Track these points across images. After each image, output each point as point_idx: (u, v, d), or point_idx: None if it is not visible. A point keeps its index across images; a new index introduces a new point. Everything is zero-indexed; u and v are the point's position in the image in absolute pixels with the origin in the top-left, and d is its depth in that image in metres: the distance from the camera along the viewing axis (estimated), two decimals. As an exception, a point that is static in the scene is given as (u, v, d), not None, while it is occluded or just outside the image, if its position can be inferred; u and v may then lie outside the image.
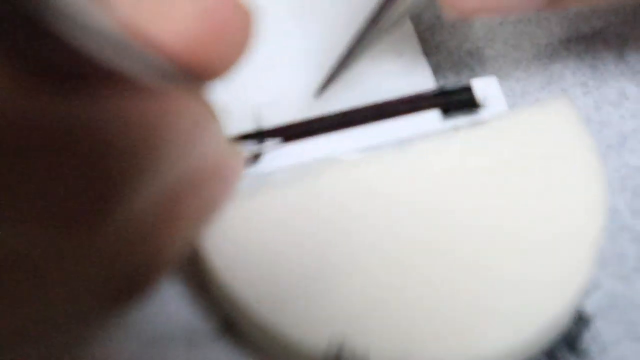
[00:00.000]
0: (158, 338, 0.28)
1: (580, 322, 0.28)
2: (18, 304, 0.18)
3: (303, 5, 0.34)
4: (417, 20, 0.34)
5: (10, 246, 0.17)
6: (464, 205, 0.27)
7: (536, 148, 0.28)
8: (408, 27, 0.33)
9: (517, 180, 0.28)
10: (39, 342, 0.20)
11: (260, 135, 0.30)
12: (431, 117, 0.31)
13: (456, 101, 0.31)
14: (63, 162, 0.16)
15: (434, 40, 0.34)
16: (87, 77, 0.16)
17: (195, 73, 0.21)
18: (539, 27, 0.34)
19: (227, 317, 0.28)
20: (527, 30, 0.34)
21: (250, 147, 0.30)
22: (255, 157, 0.30)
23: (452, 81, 0.33)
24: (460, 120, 0.31)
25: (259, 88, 0.31)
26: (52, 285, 0.19)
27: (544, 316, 0.26)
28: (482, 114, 0.31)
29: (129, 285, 0.21)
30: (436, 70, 0.33)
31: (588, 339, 0.28)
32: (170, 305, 0.29)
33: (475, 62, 0.33)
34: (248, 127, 0.30)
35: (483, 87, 0.31)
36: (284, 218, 0.27)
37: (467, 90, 0.31)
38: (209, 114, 0.21)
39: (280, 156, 0.30)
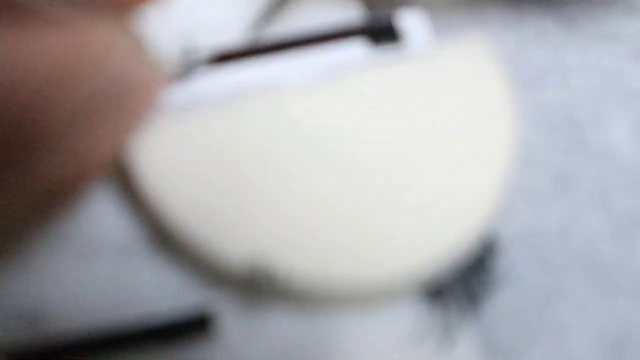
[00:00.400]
0: (88, 249, 0.29)
1: (491, 249, 0.30)
2: None
3: None
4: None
5: None
6: (378, 132, 0.29)
7: (452, 82, 0.30)
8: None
9: (430, 111, 0.29)
10: None
11: (187, 56, 0.31)
12: (354, 47, 0.32)
13: (382, 32, 0.32)
14: None
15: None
16: None
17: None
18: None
19: (157, 231, 0.29)
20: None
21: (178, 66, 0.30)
22: (182, 76, 0.31)
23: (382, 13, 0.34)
24: (384, 52, 0.32)
25: (191, 12, 0.32)
26: None
27: (449, 237, 0.28)
28: (405, 47, 0.32)
29: (49, 197, 0.22)
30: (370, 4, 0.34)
31: (503, 267, 0.29)
32: (102, 217, 0.29)
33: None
34: (176, 48, 0.31)
35: (410, 19, 0.32)
36: (211, 138, 0.28)
37: (393, 21, 0.32)
38: (119, 37, 0.21)
39: (207, 80, 0.31)
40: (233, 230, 0.27)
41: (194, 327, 0.27)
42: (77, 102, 0.20)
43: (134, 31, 0.23)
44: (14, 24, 0.18)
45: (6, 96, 0.18)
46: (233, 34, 0.32)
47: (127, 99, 0.24)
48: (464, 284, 0.29)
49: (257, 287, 0.27)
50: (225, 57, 0.31)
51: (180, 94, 0.30)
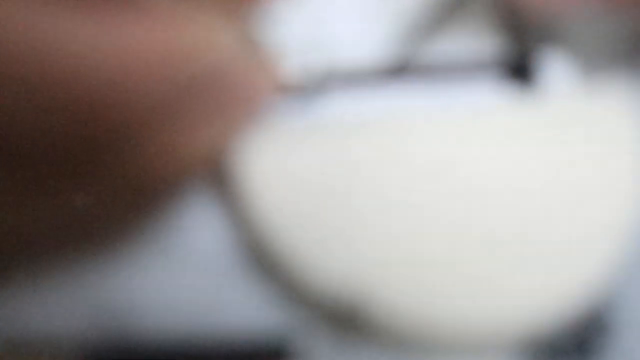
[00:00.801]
0: (181, 256, 0.29)
1: (595, 325, 0.27)
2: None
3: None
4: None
5: None
6: (499, 172, 0.28)
7: (583, 131, 0.28)
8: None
9: (554, 159, 0.28)
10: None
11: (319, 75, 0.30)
12: (489, 83, 0.31)
13: (520, 68, 0.31)
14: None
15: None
16: None
17: None
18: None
19: (255, 245, 0.28)
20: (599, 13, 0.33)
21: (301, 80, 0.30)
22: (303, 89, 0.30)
23: (526, 49, 0.32)
24: (517, 91, 0.31)
25: (321, 23, 0.31)
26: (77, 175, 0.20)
27: (565, 291, 0.26)
28: (542, 88, 0.30)
29: (140, 193, 0.22)
30: (514, 35, 0.33)
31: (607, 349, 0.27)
32: (200, 225, 0.29)
33: (556, 34, 0.33)
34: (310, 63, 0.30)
35: (552, 59, 0.31)
36: (326, 157, 0.27)
37: (534, 61, 0.31)
38: (225, 34, 0.21)
39: (331, 97, 0.30)
40: (335, 255, 0.27)
41: (273, 356, 0.26)
42: (169, 94, 0.20)
43: (252, 33, 0.23)
44: (110, 13, 0.18)
45: (94, 85, 0.18)
46: (364, 53, 0.31)
47: (228, 97, 0.23)
48: (576, 345, 0.27)
49: (351, 320, 0.26)
50: (354, 77, 0.30)
51: (302, 106, 0.30)
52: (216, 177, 0.28)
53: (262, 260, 0.28)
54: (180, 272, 0.28)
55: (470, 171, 0.27)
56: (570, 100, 0.29)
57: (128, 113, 0.19)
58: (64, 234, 0.24)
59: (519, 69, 0.31)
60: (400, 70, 0.31)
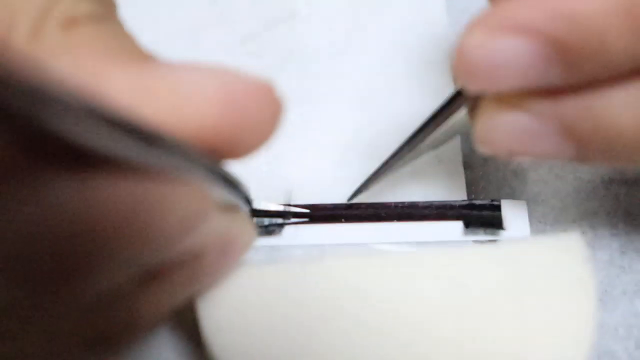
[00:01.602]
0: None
1: None
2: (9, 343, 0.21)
3: (361, 96, 0.36)
4: (469, 131, 0.35)
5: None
6: (455, 315, 0.28)
7: (537, 277, 0.29)
8: (455, 138, 0.34)
9: (510, 303, 0.29)
10: None
11: (285, 213, 0.32)
12: (453, 228, 0.32)
13: (481, 217, 0.32)
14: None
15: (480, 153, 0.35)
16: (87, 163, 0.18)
17: (218, 153, 0.23)
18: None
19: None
20: (573, 163, 0.35)
21: (271, 221, 0.31)
22: (273, 230, 0.32)
23: (489, 195, 0.34)
24: (480, 236, 0.32)
25: (296, 167, 0.33)
26: (33, 331, 0.21)
27: None
28: (502, 235, 0.32)
29: (107, 338, 0.22)
30: (476, 181, 0.34)
31: None
32: (164, 356, 0.30)
33: (518, 182, 0.34)
34: (278, 200, 0.32)
35: (512, 209, 0.32)
36: (283, 298, 0.28)
37: (495, 209, 0.32)
38: (207, 203, 0.22)
39: (300, 234, 0.32)
40: None
41: None
42: (150, 258, 0.21)
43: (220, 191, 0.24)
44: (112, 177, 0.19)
45: (77, 232, 0.19)
46: (332, 195, 0.33)
47: (207, 263, 0.25)
48: None
49: None
50: (321, 216, 0.32)
51: (267, 247, 0.31)
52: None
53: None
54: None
55: (431, 310, 0.28)
56: (527, 246, 0.30)
57: (94, 274, 0.20)
58: None
59: (479, 217, 0.32)
60: (367, 208, 0.32)
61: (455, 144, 0.34)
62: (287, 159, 0.32)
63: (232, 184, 0.24)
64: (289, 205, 0.32)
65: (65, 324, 0.21)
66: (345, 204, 0.32)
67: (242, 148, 0.23)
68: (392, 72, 0.37)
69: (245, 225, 0.27)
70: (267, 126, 0.23)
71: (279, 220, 0.31)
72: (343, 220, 0.32)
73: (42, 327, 0.21)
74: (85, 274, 0.19)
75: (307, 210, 0.32)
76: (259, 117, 0.23)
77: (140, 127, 0.18)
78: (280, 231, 0.32)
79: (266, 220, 0.31)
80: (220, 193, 0.24)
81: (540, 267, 0.29)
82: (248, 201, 0.28)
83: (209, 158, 0.22)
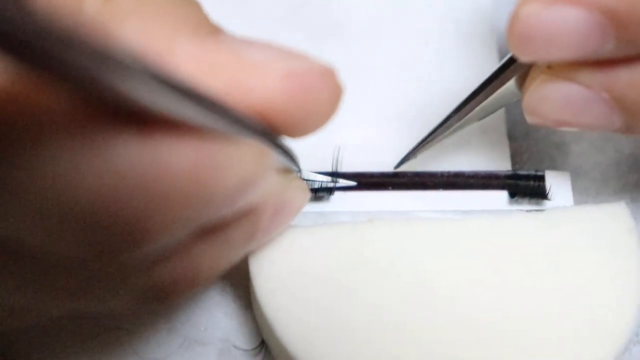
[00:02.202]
0: (194, 342, 0.31)
1: None
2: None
3: (409, 66, 0.36)
4: (514, 104, 0.36)
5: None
6: (502, 283, 0.29)
7: (583, 245, 0.30)
8: (499, 109, 0.35)
9: (556, 271, 0.29)
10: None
11: (334, 176, 0.32)
12: (498, 197, 0.33)
13: (526, 187, 0.33)
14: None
15: (525, 124, 0.35)
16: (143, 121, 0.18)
17: (276, 129, 0.23)
18: (626, 137, 0.35)
19: (262, 338, 0.31)
20: (614, 137, 0.35)
21: (321, 184, 0.32)
22: (322, 197, 0.32)
23: (532, 166, 0.34)
24: (525, 206, 0.33)
25: (344, 136, 0.33)
26: (100, 287, 0.22)
27: None
28: (546, 205, 0.32)
29: (167, 290, 0.23)
30: (519, 153, 0.35)
31: None
32: (214, 314, 0.31)
33: (559, 154, 0.35)
34: (327, 166, 0.33)
35: (556, 180, 0.33)
36: (333, 258, 0.29)
37: (540, 179, 0.33)
38: (265, 165, 0.23)
39: (348, 201, 0.33)
40: (339, 356, 0.28)
41: None
42: (199, 214, 0.21)
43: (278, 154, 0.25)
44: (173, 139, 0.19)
45: (129, 205, 0.19)
46: (379, 164, 0.33)
47: (263, 222, 0.25)
48: None
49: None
50: (369, 183, 0.32)
51: (315, 213, 0.32)
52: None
53: (276, 354, 0.30)
54: (191, 356, 0.31)
55: (473, 278, 0.29)
56: (570, 216, 0.31)
57: (159, 233, 0.20)
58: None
59: (523, 187, 0.33)
60: (413, 176, 0.33)
61: (500, 115, 0.35)
62: (335, 128, 0.32)
63: (285, 150, 0.25)
64: (337, 173, 0.32)
65: (126, 279, 0.22)
66: (392, 172, 0.33)
67: (300, 128, 0.24)
68: (438, 43, 0.37)
69: (299, 186, 0.28)
70: (327, 110, 0.24)
71: (329, 184, 0.32)
72: (390, 187, 0.33)
73: (108, 282, 0.22)
74: (148, 232, 0.20)
75: (354, 182, 0.33)
76: (319, 101, 0.23)
77: (199, 92, 0.18)
78: (328, 197, 0.32)
79: (316, 184, 0.32)
80: (276, 157, 0.24)
81: (586, 235, 0.30)
82: (299, 169, 0.29)
83: (265, 127, 0.23)
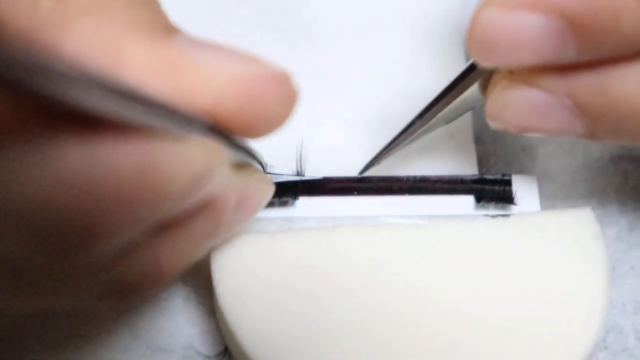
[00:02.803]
0: (157, 349, 0.31)
1: None
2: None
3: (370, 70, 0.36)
4: (480, 107, 0.36)
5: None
6: (466, 288, 0.29)
7: (549, 251, 0.30)
8: (466, 114, 0.35)
9: (522, 277, 0.29)
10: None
11: (296, 185, 0.32)
12: (464, 202, 0.32)
13: (492, 192, 0.32)
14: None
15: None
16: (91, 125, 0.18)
17: (233, 131, 0.23)
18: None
19: (226, 344, 0.30)
20: (582, 141, 0.35)
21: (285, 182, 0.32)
22: (286, 201, 0.32)
23: (499, 170, 0.34)
24: (491, 211, 0.32)
25: (309, 139, 0.33)
26: (53, 286, 0.22)
27: None
28: (513, 210, 0.32)
29: (128, 288, 0.23)
30: (487, 156, 0.35)
31: None
32: (177, 321, 0.31)
33: (527, 157, 0.35)
34: (291, 169, 0.32)
35: (522, 184, 0.33)
36: (298, 265, 0.29)
37: (506, 183, 0.32)
38: (215, 160, 0.23)
39: (313, 206, 0.32)
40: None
41: None
42: (152, 214, 0.21)
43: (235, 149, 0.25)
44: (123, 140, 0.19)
45: (79, 197, 0.19)
46: (343, 168, 0.33)
47: (221, 218, 0.25)
48: None
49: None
50: (334, 188, 0.32)
51: (280, 218, 0.32)
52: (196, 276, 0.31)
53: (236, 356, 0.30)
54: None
55: (439, 283, 0.29)
56: (535, 220, 0.31)
57: (110, 234, 0.20)
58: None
59: (489, 192, 0.32)
60: (379, 181, 0.33)
61: (467, 118, 0.35)
62: (300, 131, 0.32)
63: (241, 147, 0.25)
64: (301, 174, 0.32)
65: (84, 278, 0.22)
66: (357, 177, 0.33)
67: (253, 130, 0.24)
68: (405, 48, 0.37)
69: (261, 179, 0.28)
70: (279, 114, 0.24)
71: (294, 178, 0.32)
72: (355, 193, 0.33)
73: (67, 281, 0.22)
74: (98, 233, 0.20)
75: (320, 179, 0.33)
76: (269, 105, 0.23)
77: (142, 95, 0.18)
78: (293, 203, 0.32)
79: (281, 178, 0.31)
80: (233, 153, 0.24)
81: (552, 240, 0.30)
82: (262, 165, 0.29)
83: (216, 126, 0.23)
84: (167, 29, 0.23)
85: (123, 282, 0.23)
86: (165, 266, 0.24)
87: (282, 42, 0.37)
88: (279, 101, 0.23)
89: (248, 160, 0.27)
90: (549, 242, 0.30)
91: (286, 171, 0.32)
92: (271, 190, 0.29)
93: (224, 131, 0.23)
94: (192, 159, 0.21)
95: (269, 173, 0.31)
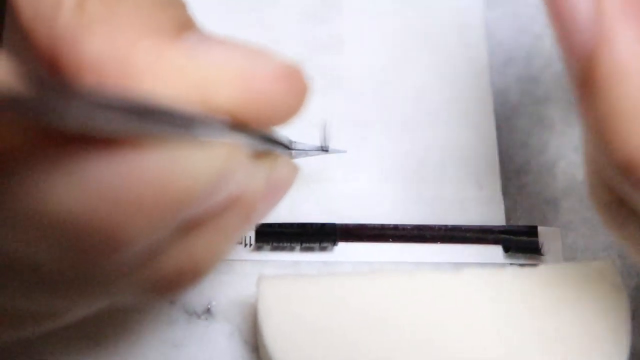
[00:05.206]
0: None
1: None
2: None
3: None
4: (507, 160, 0.37)
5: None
6: (494, 334, 0.31)
7: (573, 301, 0.31)
8: (494, 166, 0.37)
9: (547, 324, 0.31)
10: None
11: (335, 232, 0.34)
12: (493, 251, 0.34)
13: (519, 242, 0.34)
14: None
15: (518, 181, 0.37)
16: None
17: (250, 124, 0.24)
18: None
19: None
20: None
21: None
22: (326, 247, 0.34)
23: (525, 220, 0.36)
24: (518, 260, 0.34)
25: (342, 184, 0.35)
26: (91, 291, 0.23)
27: None
28: (539, 260, 0.34)
29: (165, 287, 0.24)
30: (512, 207, 0.36)
31: None
32: (221, 357, 0.33)
33: (550, 210, 0.37)
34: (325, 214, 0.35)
35: (547, 235, 0.34)
36: (336, 307, 0.31)
37: (532, 235, 0.34)
38: (233, 158, 0.23)
39: (350, 252, 0.34)
40: None
41: None
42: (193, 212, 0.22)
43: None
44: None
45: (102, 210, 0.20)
46: (374, 214, 0.35)
47: (246, 213, 0.26)
48: None
49: None
50: (370, 235, 0.34)
51: (320, 262, 0.34)
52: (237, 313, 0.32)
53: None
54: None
55: (467, 329, 0.31)
56: (561, 272, 0.32)
57: (135, 239, 0.21)
58: None
59: (517, 242, 0.34)
60: (413, 229, 0.35)
61: (495, 171, 0.36)
62: (333, 179, 0.34)
63: (261, 137, 0.26)
64: (339, 225, 0.34)
65: (119, 278, 0.23)
66: (393, 225, 0.35)
67: (267, 123, 0.25)
68: (434, 95, 0.39)
69: (286, 164, 0.28)
70: (290, 107, 0.24)
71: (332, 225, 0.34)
72: (390, 239, 0.35)
73: (98, 285, 0.23)
74: (124, 239, 0.21)
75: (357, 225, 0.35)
76: (280, 100, 0.24)
77: (152, 106, 0.19)
78: (332, 248, 0.34)
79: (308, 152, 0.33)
80: (253, 144, 0.25)
81: (575, 292, 0.31)
82: (285, 145, 0.30)
83: (232, 122, 0.23)
84: (180, 26, 0.24)
85: (162, 279, 0.24)
86: (201, 261, 0.25)
87: (314, 91, 0.39)
88: (289, 95, 0.24)
89: (270, 147, 0.27)
90: (572, 293, 0.31)
91: (311, 146, 0.33)
92: (297, 171, 0.29)
93: (241, 125, 0.24)
94: (211, 160, 0.22)
95: (295, 149, 0.32)
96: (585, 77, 0.25)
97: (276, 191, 0.27)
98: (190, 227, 0.23)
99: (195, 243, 0.24)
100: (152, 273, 0.23)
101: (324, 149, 0.33)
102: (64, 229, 0.20)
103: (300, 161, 0.31)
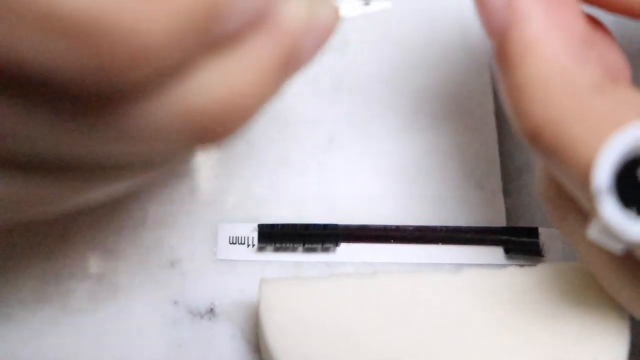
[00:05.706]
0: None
1: None
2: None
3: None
4: (508, 160, 0.38)
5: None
6: (494, 332, 0.31)
7: (571, 302, 0.31)
8: (495, 166, 0.37)
9: (543, 328, 0.31)
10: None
11: (337, 233, 0.35)
12: (494, 252, 0.35)
13: (520, 243, 0.35)
14: None
15: (519, 181, 0.37)
16: None
17: None
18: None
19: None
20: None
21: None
22: (328, 247, 0.34)
23: (526, 221, 0.36)
24: (519, 261, 0.35)
25: (346, 185, 0.35)
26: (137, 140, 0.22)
27: None
28: (540, 261, 0.34)
29: (207, 126, 0.23)
30: (513, 207, 0.37)
31: None
32: (223, 356, 0.33)
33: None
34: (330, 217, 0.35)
35: (548, 236, 0.35)
36: (339, 308, 0.31)
37: (533, 235, 0.35)
38: None
39: (353, 252, 0.35)
40: None
41: None
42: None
43: None
44: None
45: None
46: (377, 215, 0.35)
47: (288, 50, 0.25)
48: None
49: None
50: (372, 236, 0.35)
51: (322, 263, 0.34)
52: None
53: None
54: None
55: (471, 329, 0.31)
56: (562, 271, 0.32)
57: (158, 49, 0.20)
58: None
59: (523, 242, 0.35)
60: (414, 230, 0.35)
61: (496, 170, 0.37)
62: (336, 181, 0.34)
63: None
64: (342, 225, 0.34)
65: (163, 125, 0.22)
66: (394, 226, 0.35)
67: None
68: (438, 98, 0.39)
69: (328, 6, 0.27)
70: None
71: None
72: (392, 240, 0.35)
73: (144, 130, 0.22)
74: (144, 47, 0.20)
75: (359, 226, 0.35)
76: None
77: None
78: (334, 249, 0.35)
79: None
80: None
81: (576, 292, 0.32)
82: None
83: None
84: None
85: (200, 114, 0.23)
86: (239, 94, 0.23)
87: (320, 94, 0.39)
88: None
89: None
90: (573, 293, 0.32)
91: None
92: (339, 15, 0.27)
93: None
94: None
95: None
96: (500, 54, 0.28)
97: (317, 32, 0.26)
98: (218, 43, 0.22)
99: (228, 65, 0.23)
100: (188, 101, 0.22)
101: (366, 2, 0.33)
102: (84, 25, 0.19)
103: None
